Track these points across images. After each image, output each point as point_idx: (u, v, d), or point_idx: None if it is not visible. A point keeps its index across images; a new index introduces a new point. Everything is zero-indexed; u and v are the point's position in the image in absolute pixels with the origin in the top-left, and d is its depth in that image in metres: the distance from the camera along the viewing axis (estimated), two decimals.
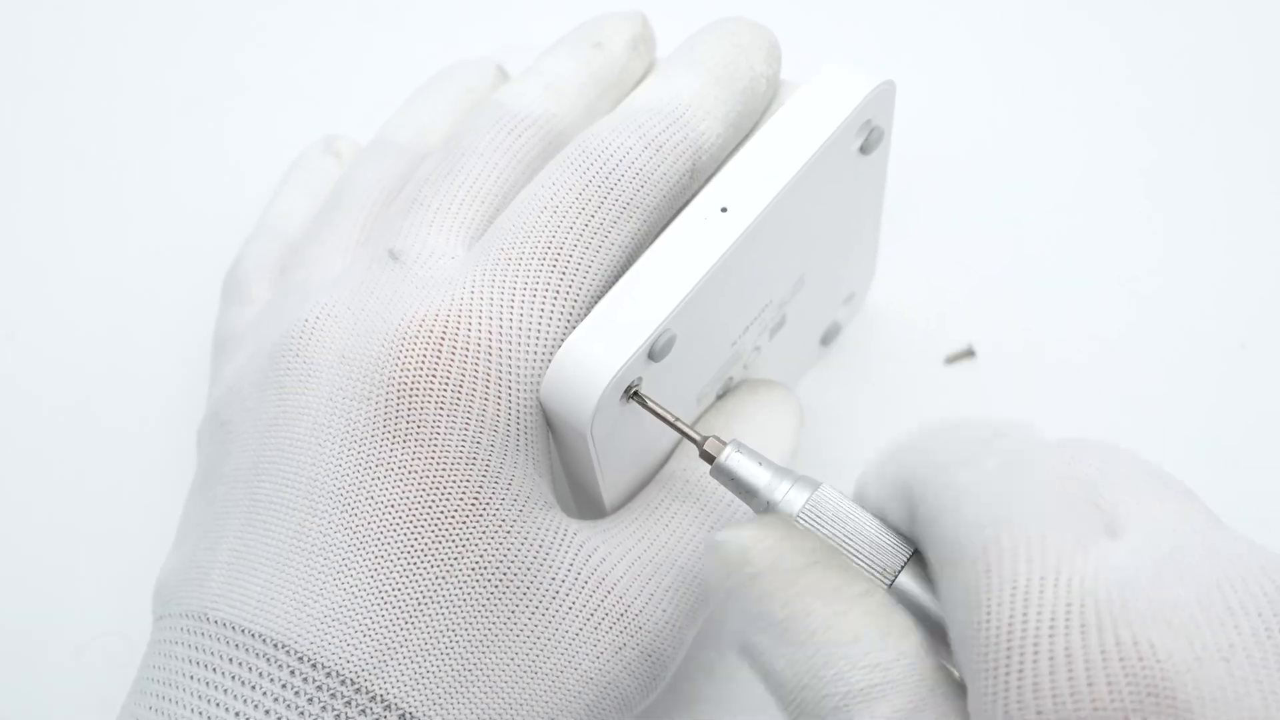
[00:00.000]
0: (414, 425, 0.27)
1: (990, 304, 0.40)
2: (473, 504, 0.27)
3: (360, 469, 0.27)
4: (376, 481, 0.27)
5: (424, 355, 0.28)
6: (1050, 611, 0.21)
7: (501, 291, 0.28)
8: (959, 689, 0.23)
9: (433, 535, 0.27)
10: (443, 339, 0.28)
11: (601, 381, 0.27)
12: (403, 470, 0.27)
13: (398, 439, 0.27)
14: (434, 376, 0.28)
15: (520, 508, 0.28)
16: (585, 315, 0.28)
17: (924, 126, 0.43)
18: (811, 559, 0.25)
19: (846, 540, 0.25)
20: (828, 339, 0.39)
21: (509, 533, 0.28)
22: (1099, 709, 0.20)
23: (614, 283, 0.29)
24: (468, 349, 0.28)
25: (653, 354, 0.28)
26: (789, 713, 0.25)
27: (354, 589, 0.27)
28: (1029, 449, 0.24)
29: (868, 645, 0.24)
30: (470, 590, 0.27)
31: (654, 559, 0.29)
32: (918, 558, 0.25)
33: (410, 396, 0.28)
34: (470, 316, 0.28)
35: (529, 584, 0.28)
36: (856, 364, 0.39)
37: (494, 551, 0.28)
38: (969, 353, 0.39)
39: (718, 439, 0.27)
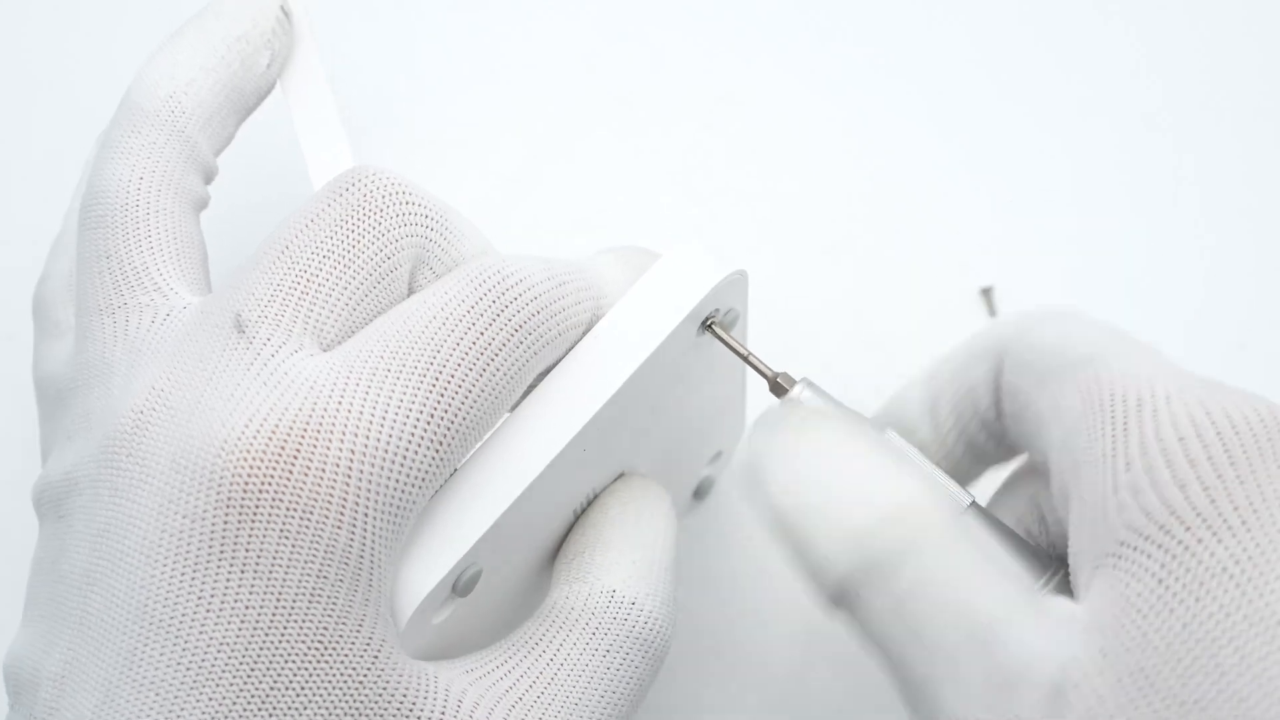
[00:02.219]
0: (252, 553, 0.24)
1: (984, 305, 0.40)
2: (317, 647, 0.24)
3: (192, 599, 0.24)
4: (210, 615, 0.24)
5: (270, 472, 0.24)
6: (1175, 379, 0.24)
7: (373, 404, 0.25)
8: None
9: (271, 682, 0.24)
10: (296, 455, 0.24)
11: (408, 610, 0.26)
12: (238, 604, 0.24)
13: (234, 567, 0.24)
14: (279, 499, 0.24)
15: (375, 653, 0.25)
16: (459, 446, 0.26)
17: (921, 134, 0.43)
18: (837, 414, 0.26)
19: None
20: (701, 493, 0.38)
21: (361, 682, 0.25)
22: (1253, 423, 0.23)
23: (498, 414, 0.27)
24: (323, 469, 0.24)
25: (456, 588, 0.27)
26: (814, 577, 0.25)
27: None
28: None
29: (888, 471, 0.25)
30: None
31: (540, 699, 0.26)
32: (976, 507, 0.27)
33: (251, 521, 0.24)
34: (331, 430, 0.25)
35: None
36: (734, 514, 0.38)
37: (345, 703, 0.25)
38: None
39: (789, 375, 0.28)
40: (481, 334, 0.26)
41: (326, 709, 0.25)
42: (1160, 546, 0.22)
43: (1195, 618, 0.21)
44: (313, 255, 0.27)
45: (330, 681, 0.25)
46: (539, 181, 0.43)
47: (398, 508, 0.25)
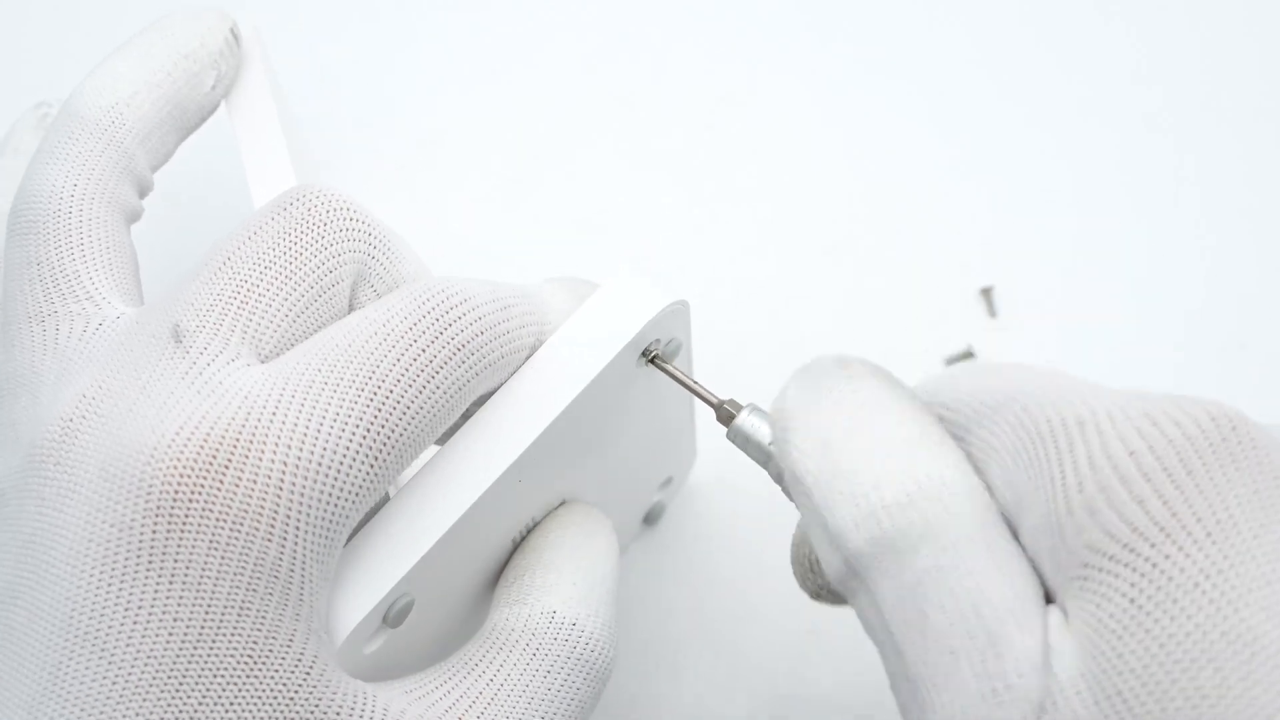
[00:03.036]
0: (180, 564, 0.24)
1: (985, 304, 0.40)
2: (245, 662, 0.24)
3: (119, 610, 0.24)
4: (137, 627, 0.23)
5: (200, 481, 0.24)
6: (1109, 397, 0.22)
7: (309, 416, 0.24)
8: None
9: (200, 696, 0.24)
10: (228, 464, 0.24)
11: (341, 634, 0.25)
12: (165, 616, 0.23)
13: (162, 577, 0.24)
14: (210, 509, 0.24)
15: (306, 670, 0.24)
16: (395, 462, 0.26)
17: (920, 136, 0.43)
18: (885, 377, 0.25)
19: None
20: (652, 519, 0.37)
21: (292, 699, 0.24)
22: (1204, 427, 0.22)
23: (435, 433, 0.26)
24: (255, 480, 0.24)
25: (388, 619, 0.26)
26: (839, 548, 0.24)
27: None
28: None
29: (931, 444, 0.24)
30: None
31: (480, 719, 0.26)
32: None
33: (180, 530, 0.24)
34: (264, 440, 0.24)
35: None
36: (684, 541, 0.38)
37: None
38: (969, 355, 0.40)
39: (735, 401, 0.27)
40: (423, 351, 0.26)
41: None
42: (1127, 565, 0.21)
43: (1172, 637, 0.21)
44: (254, 267, 0.26)
45: (260, 697, 0.24)
46: (540, 181, 0.43)
47: (331, 522, 0.25)
